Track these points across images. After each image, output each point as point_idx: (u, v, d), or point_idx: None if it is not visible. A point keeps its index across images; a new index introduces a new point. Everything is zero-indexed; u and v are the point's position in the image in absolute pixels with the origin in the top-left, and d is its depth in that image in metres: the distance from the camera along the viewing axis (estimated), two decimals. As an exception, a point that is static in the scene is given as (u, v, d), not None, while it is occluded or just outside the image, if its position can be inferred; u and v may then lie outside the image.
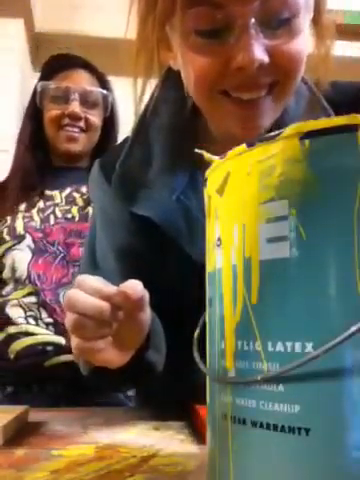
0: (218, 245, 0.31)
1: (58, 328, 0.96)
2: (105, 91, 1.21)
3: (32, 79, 2.22)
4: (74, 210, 1.12)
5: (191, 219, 0.60)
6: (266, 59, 0.50)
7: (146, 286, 0.52)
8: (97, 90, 1.18)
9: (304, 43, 0.53)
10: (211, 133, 0.64)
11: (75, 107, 1.14)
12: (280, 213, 0.26)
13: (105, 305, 0.46)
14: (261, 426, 0.26)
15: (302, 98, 0.62)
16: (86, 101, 1.17)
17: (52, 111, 1.16)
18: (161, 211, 0.61)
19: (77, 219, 1.10)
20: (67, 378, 0.93)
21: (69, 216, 1.11)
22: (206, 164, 0.70)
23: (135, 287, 0.47)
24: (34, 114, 1.19)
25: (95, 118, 1.18)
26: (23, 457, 0.43)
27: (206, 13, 0.49)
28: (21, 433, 0.51)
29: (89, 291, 0.47)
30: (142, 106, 0.64)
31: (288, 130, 0.27)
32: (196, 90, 0.56)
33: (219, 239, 0.31)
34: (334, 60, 0.60)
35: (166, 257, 0.62)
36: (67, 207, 1.12)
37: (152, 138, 0.65)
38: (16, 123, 1.46)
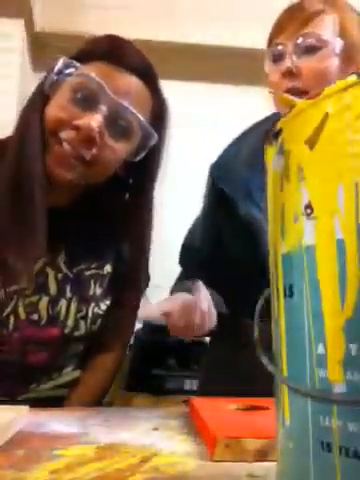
0: (308, 214, 0.24)
1: None
2: (152, 128, 0.72)
3: (32, 79, 2.23)
4: (42, 305, 0.74)
5: (251, 198, 0.87)
6: (293, 70, 0.79)
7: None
8: (138, 116, 0.70)
9: None
10: None
11: (95, 120, 0.66)
12: None
13: None
14: None
15: None
16: (116, 123, 0.69)
17: (54, 108, 0.70)
18: (237, 189, 0.89)
19: (44, 322, 0.74)
20: None
21: (35, 317, 0.73)
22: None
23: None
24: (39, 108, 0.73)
25: (112, 155, 0.71)
26: (23, 457, 0.43)
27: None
28: (21, 433, 0.51)
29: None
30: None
31: None
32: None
33: (309, 206, 0.24)
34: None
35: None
36: (33, 298, 0.73)
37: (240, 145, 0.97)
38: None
